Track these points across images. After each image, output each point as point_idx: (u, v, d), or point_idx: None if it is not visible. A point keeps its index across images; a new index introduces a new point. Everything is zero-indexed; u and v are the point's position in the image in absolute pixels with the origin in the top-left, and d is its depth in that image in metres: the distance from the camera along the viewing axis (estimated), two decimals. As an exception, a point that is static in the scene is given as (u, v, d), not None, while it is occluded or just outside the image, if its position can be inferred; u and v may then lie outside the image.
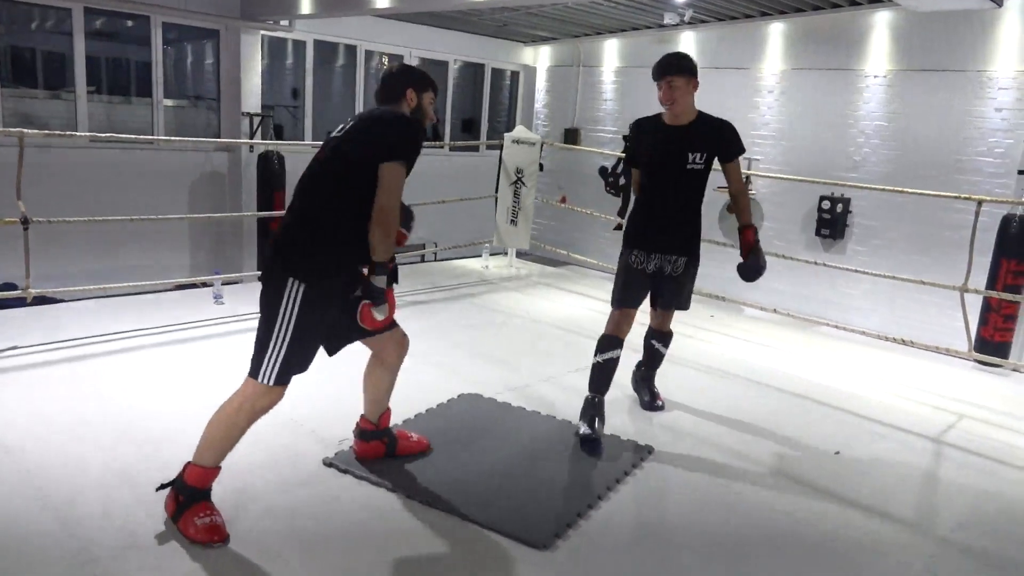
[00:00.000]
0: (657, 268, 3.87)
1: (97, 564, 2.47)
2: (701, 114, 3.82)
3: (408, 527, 2.84)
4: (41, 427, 3.40)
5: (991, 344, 6.95)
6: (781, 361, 5.36)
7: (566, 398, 4.23)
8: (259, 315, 2.69)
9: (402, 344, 3.11)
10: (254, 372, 2.64)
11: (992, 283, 7.01)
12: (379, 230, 2.59)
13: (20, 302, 5.19)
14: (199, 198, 8.93)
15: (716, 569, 2.78)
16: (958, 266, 5.27)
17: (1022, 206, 6.92)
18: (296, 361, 2.66)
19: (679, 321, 6.12)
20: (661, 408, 4.21)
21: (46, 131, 5.38)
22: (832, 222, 8.66)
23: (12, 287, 6.64)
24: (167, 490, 2.70)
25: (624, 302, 3.87)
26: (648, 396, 4.26)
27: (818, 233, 8.80)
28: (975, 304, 6.91)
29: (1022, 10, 7.35)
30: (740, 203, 3.93)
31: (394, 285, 2.74)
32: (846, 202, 8.58)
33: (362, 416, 3.27)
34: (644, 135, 3.85)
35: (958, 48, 7.74)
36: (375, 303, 2.65)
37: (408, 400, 3.97)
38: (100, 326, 4.83)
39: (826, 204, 8.67)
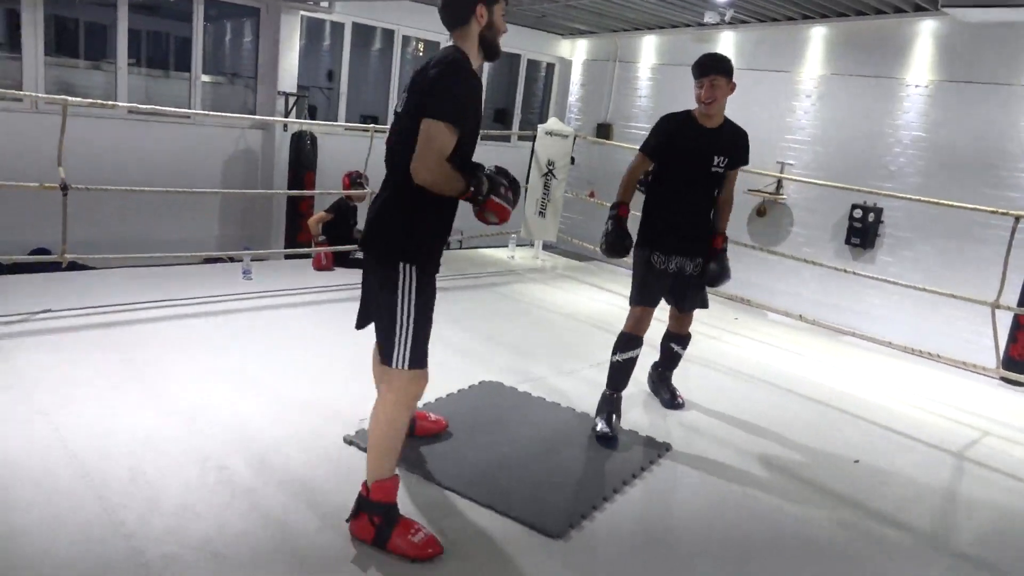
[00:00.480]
0: (678, 269, 3.85)
1: (123, 526, 2.53)
2: (727, 119, 3.82)
3: (425, 508, 2.87)
4: (71, 389, 3.49)
5: (1020, 363, 6.82)
6: (804, 367, 5.32)
7: (586, 391, 4.24)
8: (373, 301, 2.63)
9: None
10: (388, 360, 2.54)
11: (1024, 301, 6.88)
12: (425, 186, 2.42)
13: (55, 266, 5.30)
14: (231, 174, 9.03)
15: (726, 570, 2.78)
16: (989, 281, 5.19)
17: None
18: (426, 338, 2.57)
19: (701, 322, 6.10)
20: (682, 406, 4.21)
21: (88, 100, 5.47)
22: (863, 231, 8.56)
23: (46, 251, 6.78)
24: (350, 520, 2.59)
25: (644, 301, 3.86)
26: (668, 395, 4.26)
27: (848, 241, 8.70)
28: (1004, 323, 6.80)
29: (1072, 24, 7.19)
30: (725, 211, 3.95)
31: (498, 200, 2.56)
32: (878, 212, 8.47)
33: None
34: (677, 132, 3.81)
35: (1002, 61, 7.59)
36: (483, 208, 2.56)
37: (430, 384, 3.99)
38: (131, 294, 4.92)
39: (858, 212, 8.56)
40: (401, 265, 2.49)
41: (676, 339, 4.21)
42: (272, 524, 2.66)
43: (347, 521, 2.60)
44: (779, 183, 9.03)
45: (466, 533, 2.76)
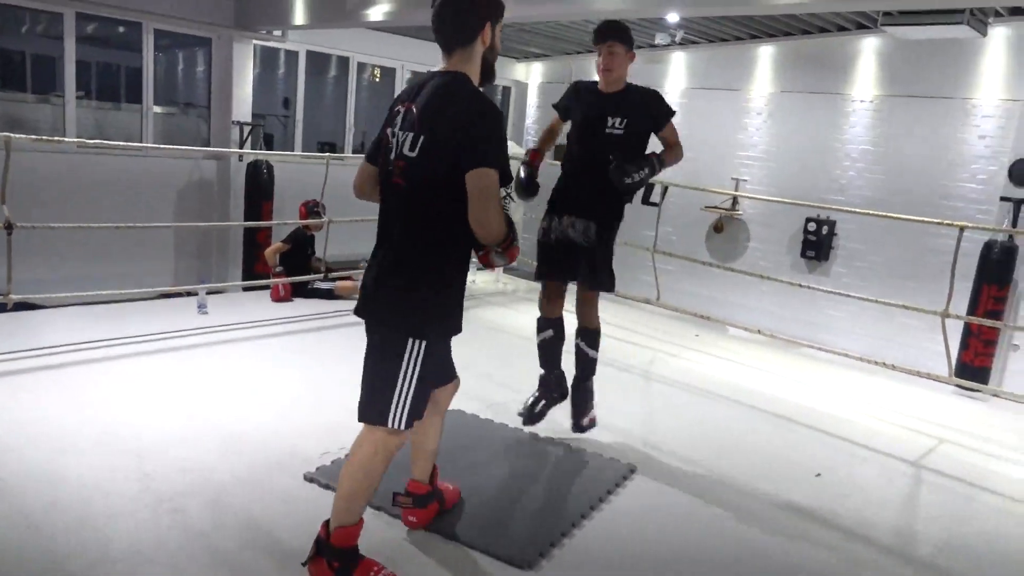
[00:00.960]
0: (565, 235, 3.66)
1: (70, 577, 2.43)
2: (630, 84, 3.73)
3: (391, 545, 2.81)
4: (16, 436, 3.36)
5: (971, 369, 7.01)
6: (764, 382, 5.38)
7: (548, 415, 4.22)
8: (368, 358, 2.49)
9: (456, 384, 2.90)
10: (382, 419, 2.41)
11: (973, 308, 7.08)
12: (483, 240, 2.32)
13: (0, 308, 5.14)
14: (186, 206, 8.88)
15: (695, 591, 2.77)
16: (942, 290, 5.32)
17: (1003, 232, 7.01)
18: (425, 399, 2.48)
19: (661, 340, 6.15)
20: (586, 429, 3.91)
21: (33, 136, 5.34)
22: (817, 244, 8.73)
23: (-7, 292, 6.58)
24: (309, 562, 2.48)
25: (540, 273, 3.81)
26: (572, 418, 3.91)
27: (803, 255, 8.87)
28: (957, 329, 6.97)
29: (1006, 40, 7.48)
30: (670, 151, 3.78)
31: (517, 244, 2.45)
32: (831, 224, 8.65)
33: (411, 480, 2.91)
34: (577, 95, 3.80)
35: (943, 76, 7.85)
36: (494, 253, 2.42)
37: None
38: (81, 334, 4.79)
39: (812, 226, 8.74)
40: (411, 340, 2.38)
41: (582, 333, 3.92)
42: (227, 568, 2.58)
43: (303, 564, 2.51)
44: (734, 199, 9.19)
45: (432, 569, 2.72)
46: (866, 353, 5.85)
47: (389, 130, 2.43)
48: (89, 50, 8.57)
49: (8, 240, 4.61)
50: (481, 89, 2.39)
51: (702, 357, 5.85)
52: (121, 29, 8.65)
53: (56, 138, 6.71)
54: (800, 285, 6.60)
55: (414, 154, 2.31)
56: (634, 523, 3.22)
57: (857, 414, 4.85)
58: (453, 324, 2.51)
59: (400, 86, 10.80)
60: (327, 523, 2.49)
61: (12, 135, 4.74)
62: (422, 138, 2.29)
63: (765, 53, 9.21)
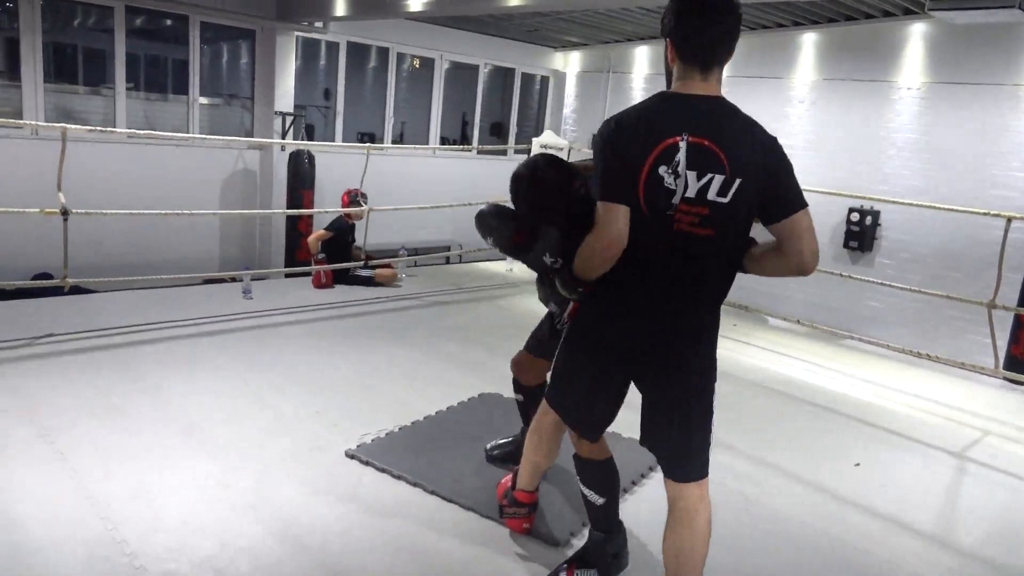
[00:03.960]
0: None
1: (126, 544, 2.55)
2: None
3: (427, 520, 2.88)
4: (73, 411, 3.51)
5: (1021, 362, 6.83)
6: (804, 372, 5.33)
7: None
8: (691, 412, 2.26)
9: None
10: (705, 472, 2.29)
11: (1023, 300, 6.89)
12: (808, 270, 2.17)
13: (57, 291, 5.34)
14: (230, 194, 9.09)
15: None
16: (989, 282, 5.20)
17: (1056, 223, 6.79)
18: None
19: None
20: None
21: (87, 127, 5.53)
22: (861, 234, 8.57)
23: (48, 276, 6.83)
24: None
25: None
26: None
27: (846, 245, 8.71)
28: (1006, 321, 6.80)
29: (1060, 24, 7.24)
30: None
31: None
32: (875, 215, 8.48)
33: (524, 491, 2.80)
34: None
35: (992, 62, 7.63)
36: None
37: (430, 398, 4.04)
38: (133, 317, 4.95)
39: (855, 216, 8.58)
40: (713, 384, 2.27)
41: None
42: (273, 538, 2.67)
43: None
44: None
45: (469, 543, 2.77)
46: (910, 345, 5.75)
47: (662, 168, 2.00)
48: (137, 43, 8.79)
49: (64, 226, 4.78)
50: None
51: (741, 347, 5.81)
52: (168, 22, 8.86)
53: (108, 129, 6.93)
54: (843, 275, 6.50)
55: (726, 199, 2.00)
56: (664, 507, 3.22)
57: (899, 405, 4.78)
58: None
59: (439, 76, 10.85)
60: None
61: (68, 126, 4.92)
62: (739, 182, 2.01)
63: (808, 40, 9.04)
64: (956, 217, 7.15)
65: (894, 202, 7.07)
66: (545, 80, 12.05)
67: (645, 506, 3.17)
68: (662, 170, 1.99)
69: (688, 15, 2.05)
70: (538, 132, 10.55)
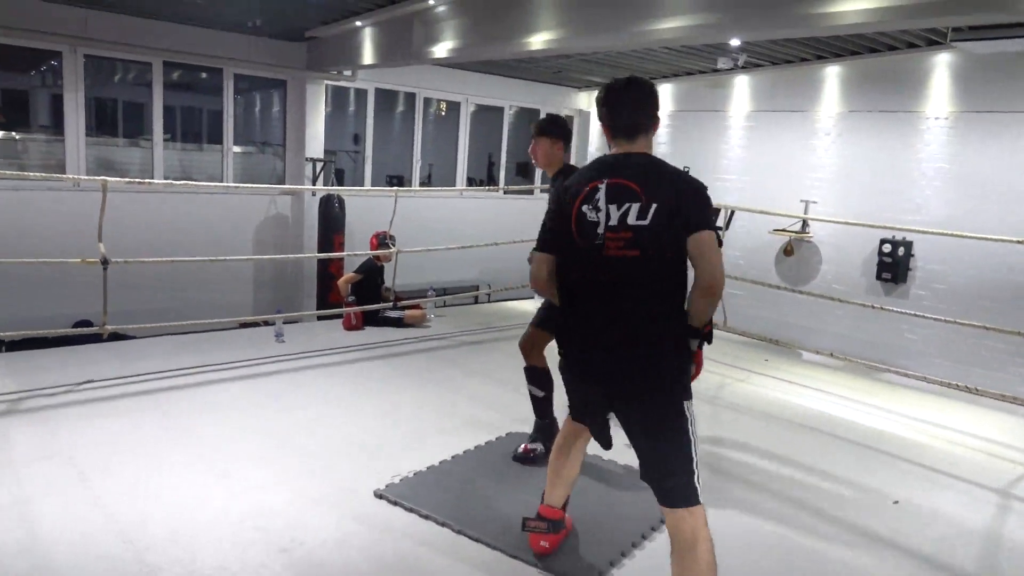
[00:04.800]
0: None
1: (160, 588, 2.58)
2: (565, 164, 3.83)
3: (455, 559, 2.88)
4: (111, 456, 3.58)
5: (1066, 393, 6.63)
6: (839, 407, 5.24)
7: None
8: (655, 443, 2.43)
9: None
10: (692, 499, 2.37)
11: (1065, 330, 6.71)
12: (707, 301, 2.38)
13: (96, 338, 5.48)
14: (263, 240, 9.29)
15: (767, 617, 2.73)
16: (1026, 311, 5.10)
17: (1095, 250, 6.65)
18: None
19: (730, 365, 6.08)
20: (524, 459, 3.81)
21: (127, 179, 5.73)
22: (894, 265, 8.45)
23: (88, 323, 7.01)
24: None
25: None
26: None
27: (879, 277, 8.59)
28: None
29: (1089, 50, 7.17)
30: None
31: (705, 345, 2.49)
32: (908, 245, 8.37)
33: (548, 507, 2.94)
34: None
35: (1017, 89, 7.57)
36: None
37: (458, 437, 4.05)
38: (170, 362, 5.06)
39: (887, 247, 8.47)
40: (685, 404, 2.40)
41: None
42: (306, 583, 2.69)
43: None
44: (804, 222, 9.01)
45: (498, 587, 2.76)
46: (947, 378, 5.62)
47: (585, 206, 2.45)
48: (174, 96, 9.11)
49: (104, 275, 4.93)
50: None
51: (773, 382, 5.74)
52: (203, 75, 9.18)
53: (147, 180, 7.17)
54: (876, 307, 6.42)
55: (646, 221, 2.36)
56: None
57: (938, 440, 4.67)
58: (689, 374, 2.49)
59: (465, 119, 11.06)
60: None
61: (108, 179, 5.11)
62: (655, 206, 2.36)
63: (832, 73, 9.06)
64: (990, 246, 7.03)
65: (927, 232, 6.97)
66: (570, 119, 12.20)
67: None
68: (586, 208, 2.46)
69: (602, 106, 2.59)
70: (564, 171, 10.63)
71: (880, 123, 8.72)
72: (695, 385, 2.51)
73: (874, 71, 8.71)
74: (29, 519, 2.97)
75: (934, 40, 7.85)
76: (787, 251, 9.38)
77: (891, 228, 7.56)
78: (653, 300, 2.40)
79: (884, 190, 8.61)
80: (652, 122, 2.56)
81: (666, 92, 10.85)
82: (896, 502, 3.71)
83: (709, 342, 2.48)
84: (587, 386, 2.61)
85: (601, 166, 2.54)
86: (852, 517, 3.53)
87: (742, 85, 9.80)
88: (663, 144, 10.89)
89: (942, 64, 8.17)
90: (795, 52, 8.87)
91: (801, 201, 9.03)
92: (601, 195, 2.43)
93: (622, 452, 4.01)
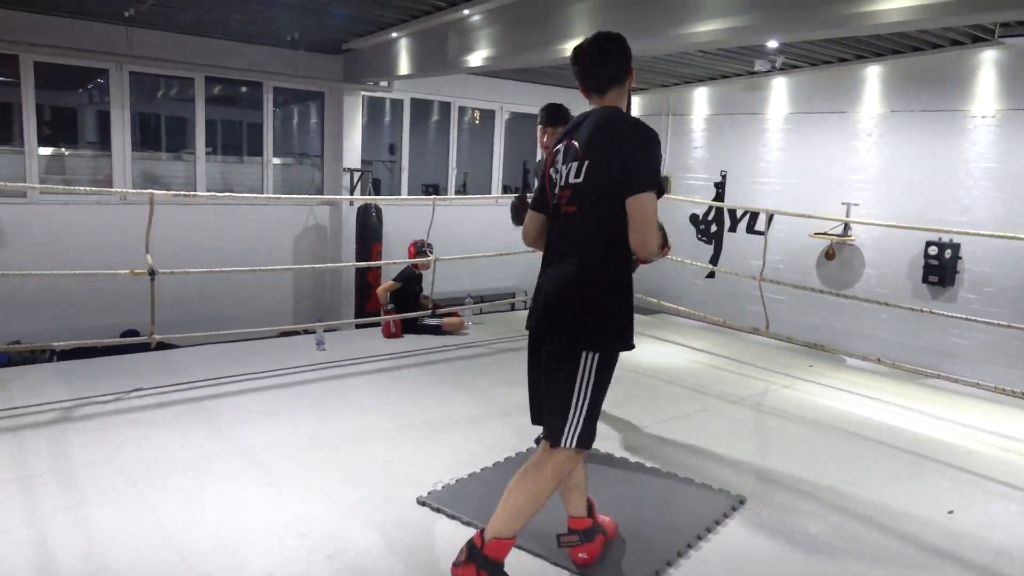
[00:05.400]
0: None
1: (210, 594, 2.62)
2: None
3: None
4: (160, 462, 3.66)
5: None
6: (886, 413, 5.12)
7: (655, 446, 4.19)
8: (544, 380, 2.60)
9: None
10: (556, 441, 2.52)
11: (1124, 332, 6.47)
12: (640, 256, 2.50)
13: (142, 347, 5.61)
14: (303, 249, 9.43)
15: (818, 629, 2.67)
16: (1082, 314, 4.93)
17: None
18: (595, 420, 2.55)
19: (774, 371, 5.99)
20: None
21: (171, 191, 5.86)
22: (940, 268, 8.23)
23: (135, 333, 7.18)
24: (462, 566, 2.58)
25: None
26: None
27: (925, 280, 8.37)
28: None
29: None
30: None
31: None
32: (955, 247, 8.15)
33: (571, 517, 2.95)
34: None
35: (1073, 85, 7.35)
36: None
37: (499, 444, 4.05)
38: (214, 370, 5.15)
39: (933, 250, 8.26)
40: (584, 354, 2.48)
41: None
42: (352, 590, 2.70)
43: (454, 566, 2.61)
44: (846, 225, 8.84)
45: (543, 595, 2.74)
46: (1001, 383, 5.46)
47: (551, 169, 2.65)
48: (214, 109, 9.30)
49: (152, 286, 5.05)
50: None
51: (818, 388, 5.63)
52: (243, 89, 9.37)
53: (191, 193, 7.33)
54: (923, 311, 6.26)
55: (580, 180, 2.50)
56: (742, 556, 3.13)
57: (992, 448, 4.53)
58: (626, 339, 2.56)
59: (500, 127, 11.12)
60: (482, 532, 2.59)
61: (155, 191, 5.24)
62: (587, 163, 2.49)
63: (873, 73, 8.89)
64: (1043, 247, 6.82)
65: (974, 234, 6.80)
66: (604, 125, 12.17)
67: (720, 554, 3.07)
68: (551, 170, 2.66)
69: (573, 65, 2.74)
70: (599, 177, 10.60)
71: (924, 123, 8.52)
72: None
73: (917, 70, 8.53)
74: (84, 523, 3.04)
75: (980, 37, 7.66)
76: (829, 255, 9.21)
77: (937, 230, 7.37)
78: (584, 254, 2.51)
79: (929, 191, 8.41)
80: (619, 74, 2.64)
81: (702, 96, 10.76)
82: (951, 512, 3.61)
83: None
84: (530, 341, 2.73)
85: (569, 127, 2.68)
86: (903, 527, 3.44)
87: (779, 87, 9.67)
88: (699, 148, 10.80)
89: (988, 61, 7.96)
90: (834, 52, 8.73)
91: (842, 204, 8.86)
92: (560, 156, 2.61)
93: (679, 462, 3.98)
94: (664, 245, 2.62)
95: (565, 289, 2.52)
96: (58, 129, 8.75)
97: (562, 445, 2.51)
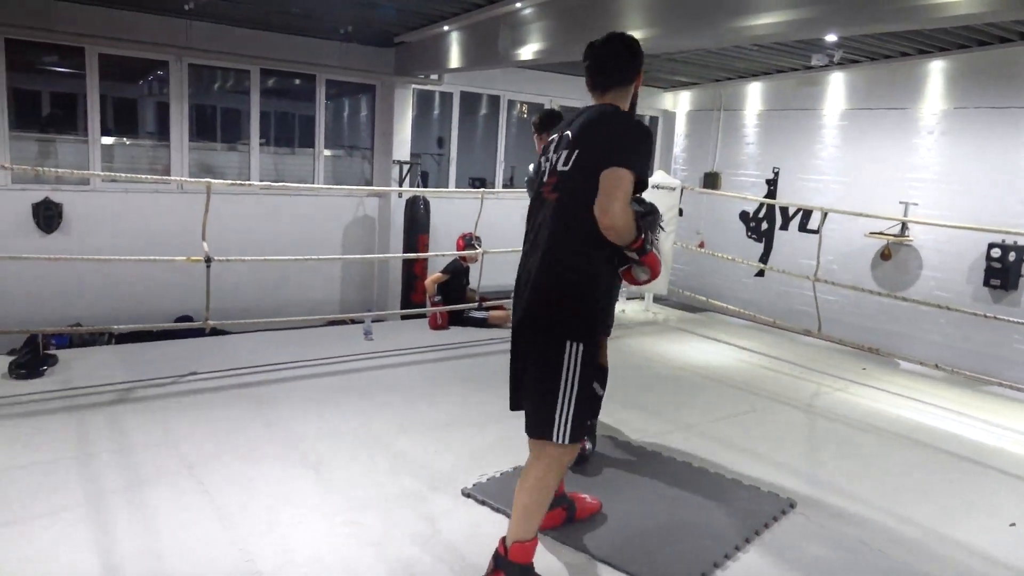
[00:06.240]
0: None
1: None
2: None
3: (543, 562, 2.86)
4: (213, 445, 3.74)
5: None
6: (944, 420, 4.96)
7: (703, 446, 4.13)
8: (529, 372, 2.55)
9: None
10: (547, 435, 2.49)
11: None
12: (611, 237, 2.39)
13: (196, 332, 5.76)
14: (351, 239, 9.54)
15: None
16: None
17: None
18: (587, 412, 2.55)
19: (826, 374, 5.85)
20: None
21: (227, 181, 5.98)
22: (1003, 271, 7.94)
23: (189, 318, 7.37)
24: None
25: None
26: None
27: (987, 283, 8.09)
28: None
29: None
30: None
31: (655, 251, 2.55)
32: (1020, 250, 7.86)
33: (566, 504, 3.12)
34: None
35: None
36: (634, 264, 2.54)
37: (545, 440, 4.03)
38: (265, 356, 5.25)
39: (996, 252, 7.97)
40: (568, 344, 2.45)
41: None
42: (398, 578, 2.73)
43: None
44: (903, 224, 8.59)
45: (588, 591, 2.73)
46: (1066, 391, 5.24)
47: (543, 157, 2.67)
48: (267, 101, 9.46)
49: (207, 272, 5.17)
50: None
51: (872, 392, 5.48)
52: (296, 81, 9.51)
53: (246, 182, 7.47)
54: (984, 316, 6.04)
55: (567, 168, 2.50)
56: (791, 562, 3.06)
57: (1057, 459, 4.35)
58: (604, 326, 2.56)
59: (548, 121, 11.07)
60: (504, 539, 2.60)
61: (212, 180, 5.35)
62: (576, 152, 2.50)
63: (936, 68, 8.60)
64: (1116, 251, 6.52)
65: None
66: (654, 120, 12.03)
67: (768, 558, 3.02)
68: (543, 159, 2.68)
69: (583, 59, 2.71)
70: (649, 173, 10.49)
71: (989, 120, 8.21)
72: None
73: (983, 65, 8.21)
74: (140, 503, 3.13)
75: (1052, 30, 7.35)
76: (884, 255, 8.96)
77: (1001, 232, 7.11)
78: (563, 242, 2.49)
79: (993, 192, 8.11)
80: (624, 76, 2.64)
81: (755, 91, 10.55)
82: (1013, 524, 3.48)
83: (642, 253, 2.48)
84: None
85: (566, 121, 2.72)
86: (962, 537, 3.32)
87: (837, 82, 9.43)
88: (751, 144, 10.60)
89: (1060, 56, 7.64)
90: (895, 46, 8.47)
91: (900, 203, 8.61)
92: (552, 145, 2.64)
93: (727, 463, 3.92)
94: (641, 243, 2.44)
95: (546, 281, 2.50)
96: (119, 120, 9.01)
97: (554, 440, 2.48)
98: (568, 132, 2.58)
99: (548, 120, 3.78)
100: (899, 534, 3.32)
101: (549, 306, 2.50)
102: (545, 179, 2.60)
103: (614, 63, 2.66)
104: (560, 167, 2.53)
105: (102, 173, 7.81)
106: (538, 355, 2.53)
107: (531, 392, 2.57)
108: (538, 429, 2.53)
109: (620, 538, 3.08)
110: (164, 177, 7.97)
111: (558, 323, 2.48)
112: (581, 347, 2.45)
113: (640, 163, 2.44)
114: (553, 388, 2.47)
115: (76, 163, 7.88)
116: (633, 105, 2.71)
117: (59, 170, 7.23)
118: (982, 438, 4.64)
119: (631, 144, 2.46)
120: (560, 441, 2.49)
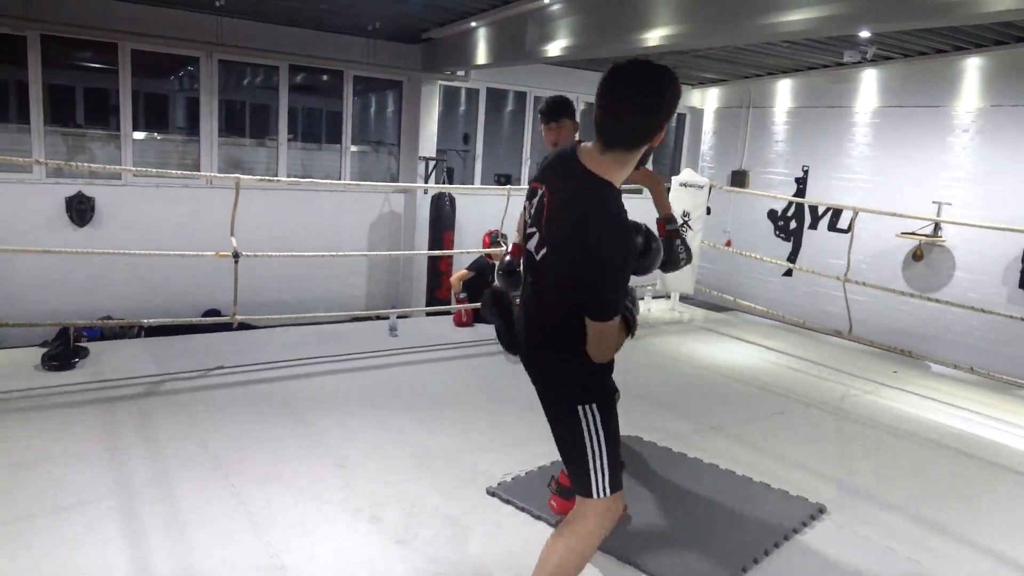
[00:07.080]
0: None
1: (286, 572, 2.69)
2: None
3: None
4: (240, 439, 3.78)
5: None
6: (978, 425, 4.85)
7: (731, 448, 4.08)
8: (551, 424, 2.39)
9: None
10: (587, 492, 2.29)
11: None
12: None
13: (223, 327, 5.81)
14: (377, 235, 9.59)
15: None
16: None
17: None
18: (617, 456, 2.35)
19: (856, 376, 5.76)
20: None
21: (257, 176, 6.03)
22: (1039, 274, 7.77)
23: (215, 313, 7.44)
24: None
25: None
26: None
27: (1022, 285, 7.92)
28: None
29: None
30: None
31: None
32: (1057, 252, 7.67)
33: (562, 471, 3.03)
34: None
35: None
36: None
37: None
38: (292, 352, 5.29)
39: (1032, 253, 7.80)
40: (580, 409, 2.26)
41: None
42: (419, 575, 2.73)
43: None
44: (936, 225, 8.42)
45: (612, 594, 2.71)
46: (1106, 398, 5.10)
47: (527, 203, 2.33)
48: (295, 97, 9.53)
49: (235, 268, 5.21)
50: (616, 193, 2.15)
51: (903, 395, 5.39)
52: (324, 77, 9.56)
53: (274, 178, 7.53)
54: (1021, 319, 5.90)
55: (538, 257, 2.22)
56: (821, 568, 3.01)
57: (1096, 467, 4.24)
58: (610, 370, 2.34)
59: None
60: None
61: (241, 176, 5.40)
62: (546, 248, 2.19)
63: (972, 65, 8.41)
64: None
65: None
66: (682, 117, 11.92)
67: (797, 563, 2.97)
68: (527, 204, 2.32)
69: (599, 90, 2.15)
70: (676, 170, 10.42)
71: (1027, 118, 8.02)
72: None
73: (1021, 62, 8.02)
74: (168, 496, 3.17)
75: (1095, 27, 7.15)
76: (916, 256, 8.80)
77: (1036, 233, 6.94)
78: (556, 303, 2.24)
79: (1031, 191, 7.92)
80: (640, 135, 2.09)
81: (785, 88, 10.41)
82: (1048, 532, 3.39)
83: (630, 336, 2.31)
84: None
85: (550, 163, 2.31)
86: (999, 546, 3.25)
87: (869, 79, 9.27)
88: (780, 142, 10.46)
89: (1103, 53, 7.43)
90: (930, 43, 8.29)
91: (933, 203, 8.45)
92: (534, 202, 2.25)
93: (755, 466, 3.87)
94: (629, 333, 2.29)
95: (547, 340, 2.32)
96: (150, 115, 9.12)
97: (595, 496, 2.28)
98: (546, 198, 2.19)
99: (555, 108, 3.62)
100: (933, 544, 3.25)
101: (551, 363, 2.34)
102: (529, 227, 2.28)
103: (631, 113, 2.08)
104: (532, 247, 2.24)
105: (133, 168, 7.92)
106: (554, 412, 2.37)
107: (560, 451, 2.40)
108: (580, 487, 2.33)
109: (646, 540, 3.05)
110: (193, 172, 8.06)
111: (563, 381, 2.32)
112: (595, 406, 2.27)
113: (619, 295, 2.12)
114: (581, 456, 2.28)
115: (108, 158, 8.00)
116: (645, 157, 2.21)
117: (92, 165, 7.33)
118: (1018, 444, 4.53)
119: (613, 277, 2.09)
120: (601, 495, 2.28)
